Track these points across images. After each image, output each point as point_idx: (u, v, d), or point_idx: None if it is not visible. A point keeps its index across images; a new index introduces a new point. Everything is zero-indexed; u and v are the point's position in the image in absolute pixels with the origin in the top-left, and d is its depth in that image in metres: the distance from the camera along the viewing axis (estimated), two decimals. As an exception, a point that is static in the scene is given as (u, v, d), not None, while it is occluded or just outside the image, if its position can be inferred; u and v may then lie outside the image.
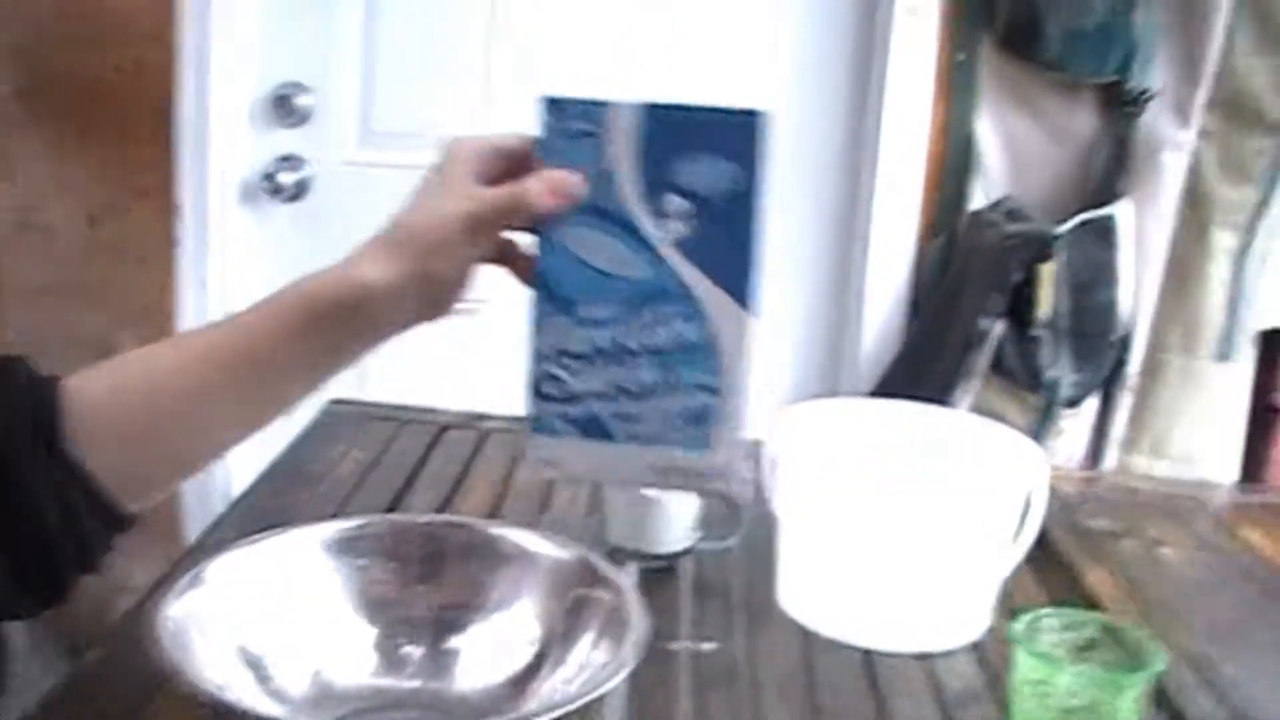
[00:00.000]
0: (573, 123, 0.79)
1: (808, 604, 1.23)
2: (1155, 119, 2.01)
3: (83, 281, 2.35)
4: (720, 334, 0.81)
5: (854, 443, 1.29)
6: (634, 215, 0.79)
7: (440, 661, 1.05)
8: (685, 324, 0.81)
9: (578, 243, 0.81)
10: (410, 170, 2.23)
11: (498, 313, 2.25)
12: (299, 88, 2.25)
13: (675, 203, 0.79)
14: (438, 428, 1.68)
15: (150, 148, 2.24)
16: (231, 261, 2.29)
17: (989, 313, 1.93)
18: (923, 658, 1.16)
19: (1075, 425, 2.01)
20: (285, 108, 2.25)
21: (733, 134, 0.77)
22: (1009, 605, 1.22)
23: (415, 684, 1.03)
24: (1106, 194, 1.99)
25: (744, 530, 1.33)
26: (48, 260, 2.36)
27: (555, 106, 0.80)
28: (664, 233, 0.79)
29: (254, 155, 2.28)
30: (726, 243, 0.79)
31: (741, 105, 0.78)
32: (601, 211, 0.80)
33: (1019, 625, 0.95)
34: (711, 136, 0.78)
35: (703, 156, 0.78)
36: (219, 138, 2.23)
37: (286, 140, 2.28)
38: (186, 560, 1.18)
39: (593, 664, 0.95)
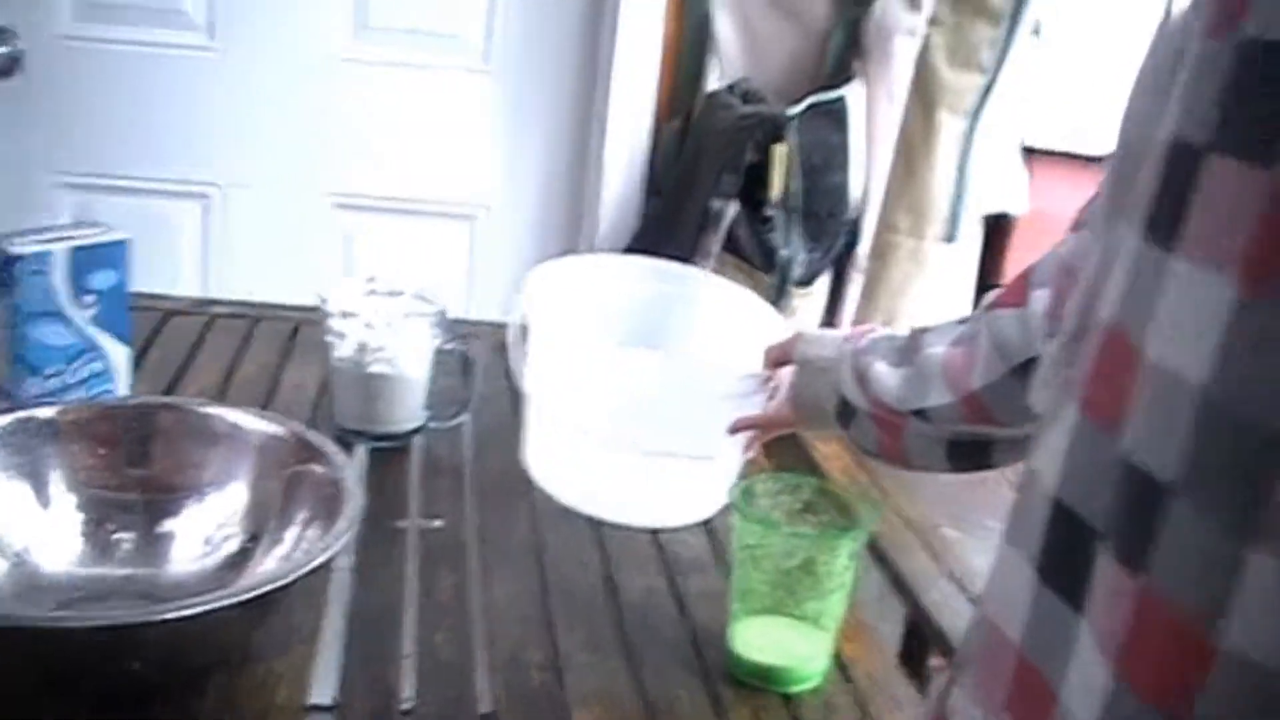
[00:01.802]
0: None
1: (550, 477, 1.22)
2: (887, 5, 2.04)
3: None
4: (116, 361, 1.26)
5: (599, 304, 1.27)
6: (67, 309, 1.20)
7: (154, 546, 1.02)
8: (97, 360, 1.24)
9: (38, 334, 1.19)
10: (131, 47, 2.16)
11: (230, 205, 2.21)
12: (7, -43, 2.12)
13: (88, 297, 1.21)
14: (162, 314, 1.61)
15: None
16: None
17: (723, 193, 1.95)
18: (656, 532, 1.17)
19: (808, 304, 2.04)
20: (-8, -21, 2.12)
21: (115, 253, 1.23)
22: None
23: (127, 570, 1.00)
24: (839, 78, 2.02)
25: (475, 410, 1.32)
26: None
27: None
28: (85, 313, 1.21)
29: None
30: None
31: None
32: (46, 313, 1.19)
33: (737, 490, 0.96)
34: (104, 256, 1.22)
35: (101, 269, 1.21)
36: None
37: (-7, 14, 2.14)
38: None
39: (309, 540, 0.94)
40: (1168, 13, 1.56)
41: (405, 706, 0.90)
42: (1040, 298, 0.89)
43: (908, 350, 1.00)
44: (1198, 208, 0.45)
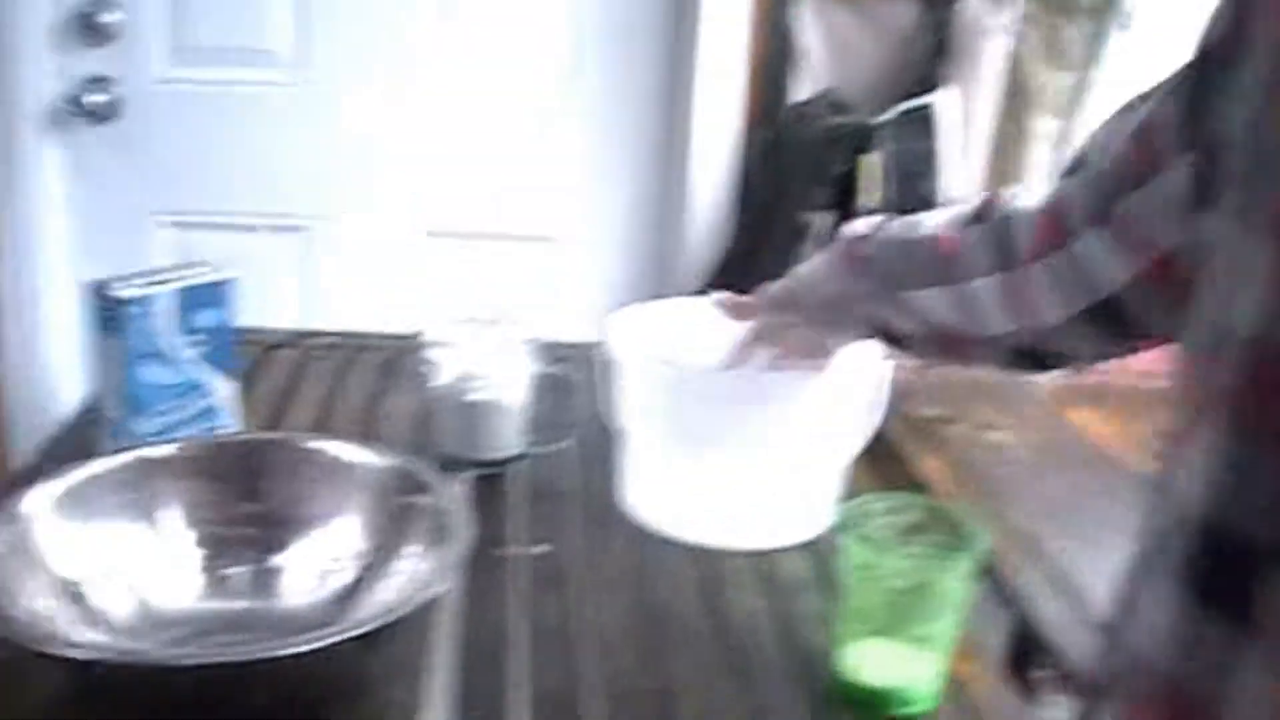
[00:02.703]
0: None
1: (648, 504, 1.23)
2: (974, 6, 2.02)
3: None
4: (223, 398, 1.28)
5: (690, 339, 1.28)
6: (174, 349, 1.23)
7: (266, 580, 1.03)
8: (206, 397, 1.26)
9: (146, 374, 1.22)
10: (224, 87, 2.20)
11: (325, 237, 2.24)
12: (104, 4, 2.15)
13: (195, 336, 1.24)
14: (263, 347, 1.64)
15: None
16: (42, 189, 2.20)
17: (814, 205, 1.94)
18: (759, 555, 1.17)
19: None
20: (90, 26, 2.16)
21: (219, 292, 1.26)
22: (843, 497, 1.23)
23: (242, 604, 1.02)
24: (928, 83, 2.00)
25: (576, 434, 1.32)
26: None
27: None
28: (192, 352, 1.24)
29: (59, 78, 2.19)
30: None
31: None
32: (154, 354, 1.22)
33: (845, 512, 0.96)
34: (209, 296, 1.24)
35: (206, 308, 1.24)
36: (20, 62, 2.13)
37: (94, 60, 2.19)
38: (5, 493, 1.14)
39: (419, 572, 0.94)
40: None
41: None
42: (1096, 238, 0.85)
43: (936, 265, 0.99)
44: None
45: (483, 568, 1.11)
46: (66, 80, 2.18)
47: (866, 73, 2.09)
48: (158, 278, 1.23)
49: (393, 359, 1.62)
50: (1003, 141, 2.05)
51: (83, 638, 0.91)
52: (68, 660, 0.82)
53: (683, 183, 2.15)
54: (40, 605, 0.91)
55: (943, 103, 1.97)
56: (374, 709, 0.92)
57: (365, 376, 1.57)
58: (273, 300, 2.25)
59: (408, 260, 2.27)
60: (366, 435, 1.38)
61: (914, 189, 1.94)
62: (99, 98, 2.17)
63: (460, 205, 2.24)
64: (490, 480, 1.29)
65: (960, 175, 2.02)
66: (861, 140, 1.93)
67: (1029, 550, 1.23)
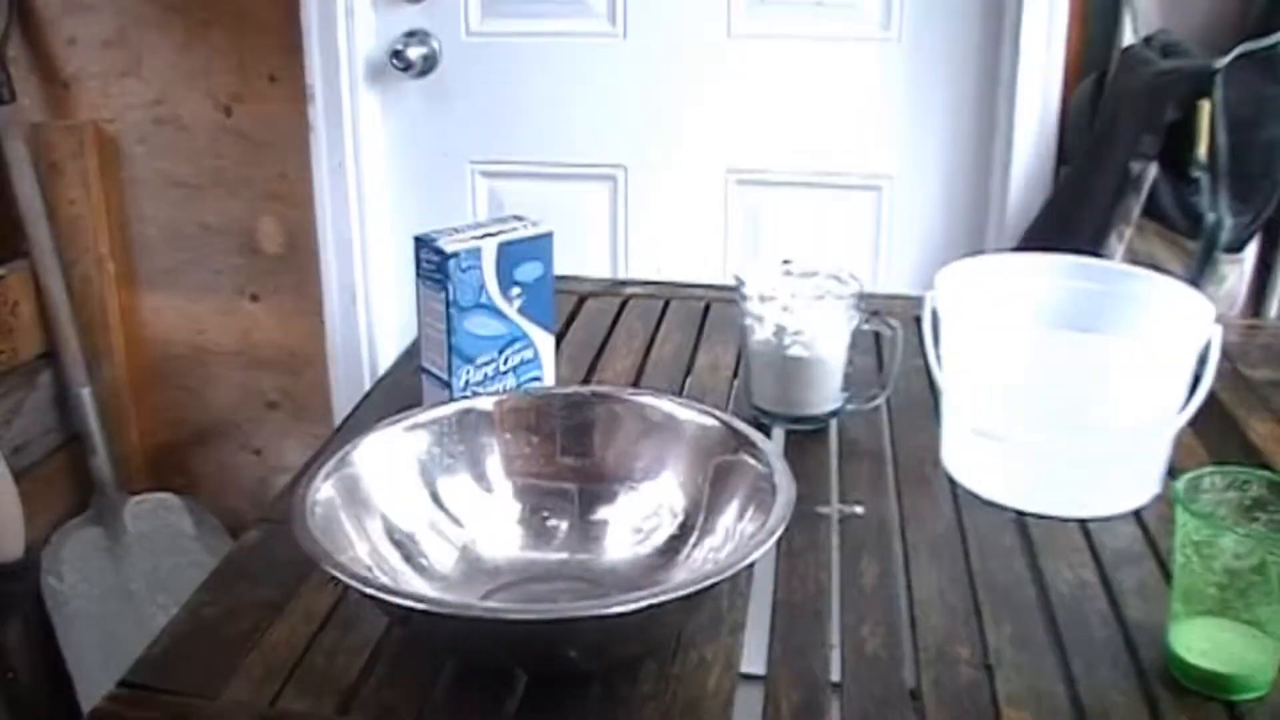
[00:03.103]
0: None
1: (969, 466, 1.20)
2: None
3: (218, 170, 2.38)
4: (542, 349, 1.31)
5: (1014, 300, 1.25)
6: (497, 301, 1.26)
7: (587, 533, 1.05)
8: (525, 349, 1.30)
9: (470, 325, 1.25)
10: (535, 38, 2.25)
11: (636, 185, 2.26)
12: (423, -41, 2.23)
13: (515, 289, 1.27)
14: (577, 297, 1.67)
15: (276, 33, 2.25)
16: (364, 141, 2.29)
17: (1142, 155, 1.85)
18: (1084, 522, 1.13)
19: (1237, 271, 1.93)
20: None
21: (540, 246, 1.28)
22: (1169, 465, 1.18)
23: (563, 555, 1.04)
24: (1271, 22, 1.89)
25: (896, 391, 1.30)
26: (181, 152, 2.39)
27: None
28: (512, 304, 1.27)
29: (380, 33, 2.27)
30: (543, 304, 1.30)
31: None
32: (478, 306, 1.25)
33: (1180, 484, 0.91)
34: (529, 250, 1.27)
35: (526, 262, 1.27)
36: (344, 18, 2.22)
37: (411, 15, 2.26)
38: (333, 441, 1.19)
39: (740, 532, 0.95)
40: None
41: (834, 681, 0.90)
42: None
43: None
44: None
45: (798, 526, 1.10)
46: (386, 35, 2.25)
47: (1202, 12, 1.99)
48: (481, 231, 1.26)
49: (706, 308, 1.62)
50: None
51: (409, 585, 0.95)
52: (391, 606, 0.85)
53: (1006, 131, 2.09)
54: (369, 552, 0.95)
55: (1288, 44, 1.85)
56: (689, 664, 0.93)
57: (679, 327, 1.58)
58: (583, 249, 2.30)
59: (721, 208, 2.27)
60: (681, 387, 1.40)
61: (1255, 138, 1.84)
62: (416, 51, 2.24)
63: (778, 154, 2.23)
64: (808, 437, 1.28)
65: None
66: (1197, 85, 1.83)
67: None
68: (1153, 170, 1.85)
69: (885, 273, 2.21)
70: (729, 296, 1.33)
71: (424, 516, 1.01)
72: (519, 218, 1.30)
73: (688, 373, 1.45)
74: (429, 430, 1.06)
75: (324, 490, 0.95)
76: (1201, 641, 0.91)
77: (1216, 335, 1.13)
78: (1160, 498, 1.16)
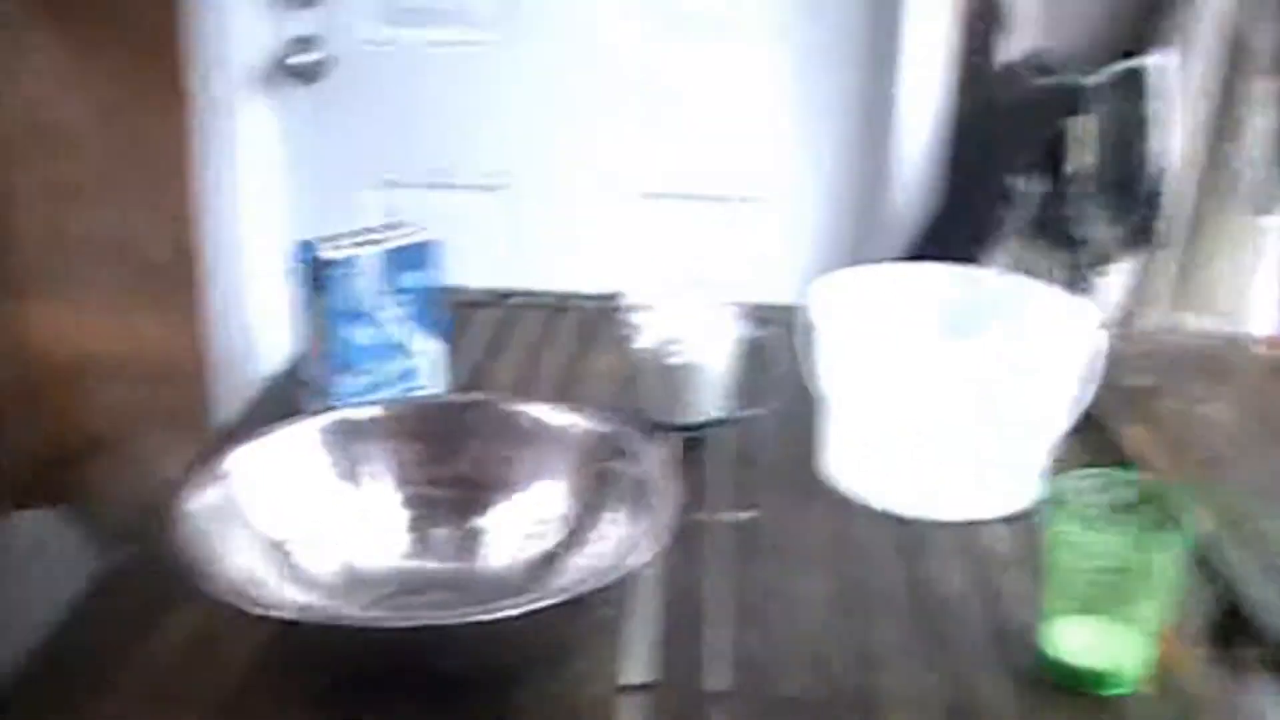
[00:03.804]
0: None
1: (850, 473, 1.22)
2: (1192, -38, 1.95)
3: (99, 180, 2.33)
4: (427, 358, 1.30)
5: (896, 308, 1.27)
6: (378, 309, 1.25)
7: (469, 541, 1.04)
8: (410, 358, 1.29)
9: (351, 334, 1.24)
10: (431, 47, 2.23)
11: (516, 193, 2.26)
12: (311, -34, 2.21)
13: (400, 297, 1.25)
14: (466, 307, 1.66)
15: (164, 36, 2.21)
16: (252, 149, 2.26)
17: (1021, 169, 1.89)
18: (963, 527, 1.15)
19: (1110, 283, 1.97)
20: (300, -13, 2.21)
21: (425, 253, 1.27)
22: (1047, 469, 1.20)
23: (445, 565, 1.03)
24: (1143, 43, 1.94)
25: (778, 399, 1.31)
26: (61, 161, 2.34)
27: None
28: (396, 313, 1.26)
29: (271, 38, 2.24)
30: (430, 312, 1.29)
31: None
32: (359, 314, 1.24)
33: (1055, 487, 0.93)
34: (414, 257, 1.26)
35: (411, 269, 1.26)
36: (232, 23, 2.19)
37: (303, 21, 2.24)
38: (211, 451, 1.18)
39: (622, 537, 0.95)
40: None
41: (715, 690, 0.91)
42: None
43: None
44: None
45: (683, 534, 1.10)
46: (277, 40, 2.23)
47: (1078, 32, 2.03)
48: (364, 238, 1.25)
49: (595, 320, 1.62)
50: (1219, 104, 1.97)
51: (286, 597, 0.94)
52: (271, 619, 0.84)
53: (888, 146, 2.12)
54: (245, 564, 0.93)
55: (1158, 63, 1.90)
56: (572, 674, 0.93)
57: (567, 337, 1.58)
58: (477, 260, 2.29)
59: (609, 221, 2.28)
60: (568, 397, 1.39)
61: (1126, 153, 1.89)
62: (308, 58, 2.22)
63: (664, 166, 2.24)
64: (691, 445, 1.29)
65: (1174, 140, 1.95)
66: (1072, 102, 1.87)
67: (1240, 529, 1.18)
68: (1030, 185, 1.89)
69: (772, 284, 2.22)
70: (617, 307, 1.33)
71: (301, 527, 1.00)
72: (406, 224, 1.29)
73: (575, 382, 1.45)
74: (305, 440, 1.04)
75: (197, 501, 0.93)
76: (1072, 639, 0.93)
77: (1101, 342, 1.15)
78: (1038, 502, 1.18)
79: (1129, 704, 0.92)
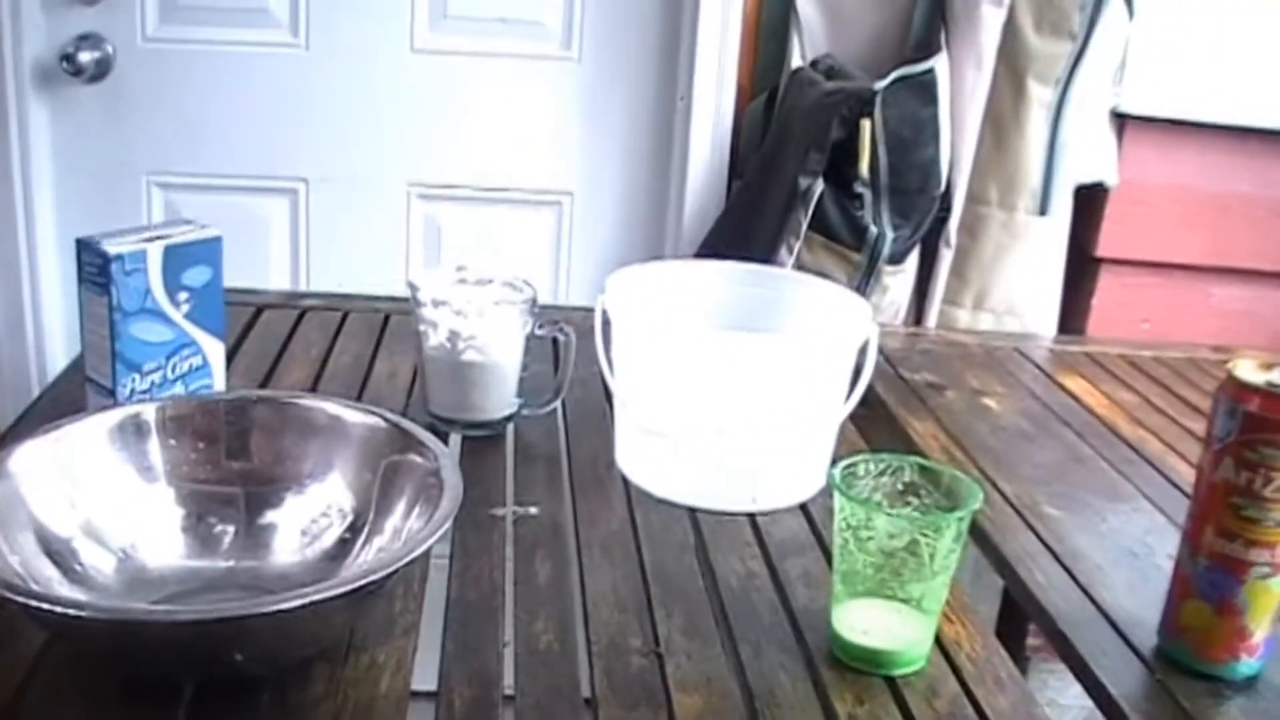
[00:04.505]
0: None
1: (640, 466, 1.22)
2: (971, -28, 2.01)
3: None
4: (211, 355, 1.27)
5: (684, 303, 1.28)
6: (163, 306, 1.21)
7: (256, 538, 1.02)
8: (194, 356, 1.25)
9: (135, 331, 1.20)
10: (215, 46, 2.19)
11: (317, 199, 2.22)
12: (94, -39, 2.14)
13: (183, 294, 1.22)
14: (254, 309, 1.63)
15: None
16: (31, 148, 2.19)
17: (809, 171, 1.92)
18: (753, 516, 1.17)
19: (898, 281, 2.02)
20: (81, -16, 2.14)
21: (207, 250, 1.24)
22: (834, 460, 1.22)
23: (230, 563, 1.01)
24: (926, 49, 1.99)
25: (570, 396, 1.32)
26: None
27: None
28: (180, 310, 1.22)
29: (50, 35, 2.17)
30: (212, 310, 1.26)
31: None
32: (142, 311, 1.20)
33: (837, 470, 0.95)
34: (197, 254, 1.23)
35: (194, 266, 1.22)
36: (9, 19, 2.12)
37: (84, 18, 2.17)
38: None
39: (409, 531, 0.94)
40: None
41: (506, 693, 0.90)
42: None
43: None
44: None
45: (473, 528, 1.10)
46: (57, 37, 2.16)
47: (864, 38, 2.08)
48: (146, 235, 1.21)
49: (385, 320, 1.61)
50: (999, 109, 2.04)
51: (69, 594, 0.91)
52: (53, 616, 0.81)
53: (682, 147, 2.14)
54: (26, 561, 0.90)
55: (942, 68, 1.95)
56: (360, 667, 0.91)
57: (357, 338, 1.56)
58: (265, 262, 2.25)
59: (399, 222, 2.26)
60: (359, 396, 1.38)
61: (912, 155, 1.93)
62: (89, 55, 2.15)
63: (456, 166, 2.23)
64: (483, 441, 1.28)
65: (958, 142, 2.01)
66: (859, 106, 1.91)
67: (1022, 516, 1.22)
68: (819, 186, 1.93)
69: (566, 285, 2.24)
70: (408, 309, 1.32)
71: (80, 526, 0.96)
72: (188, 222, 1.26)
73: (364, 383, 1.43)
74: (85, 438, 1.01)
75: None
76: (861, 621, 0.95)
77: (874, 333, 1.18)
78: (825, 491, 1.20)
79: (916, 682, 0.94)
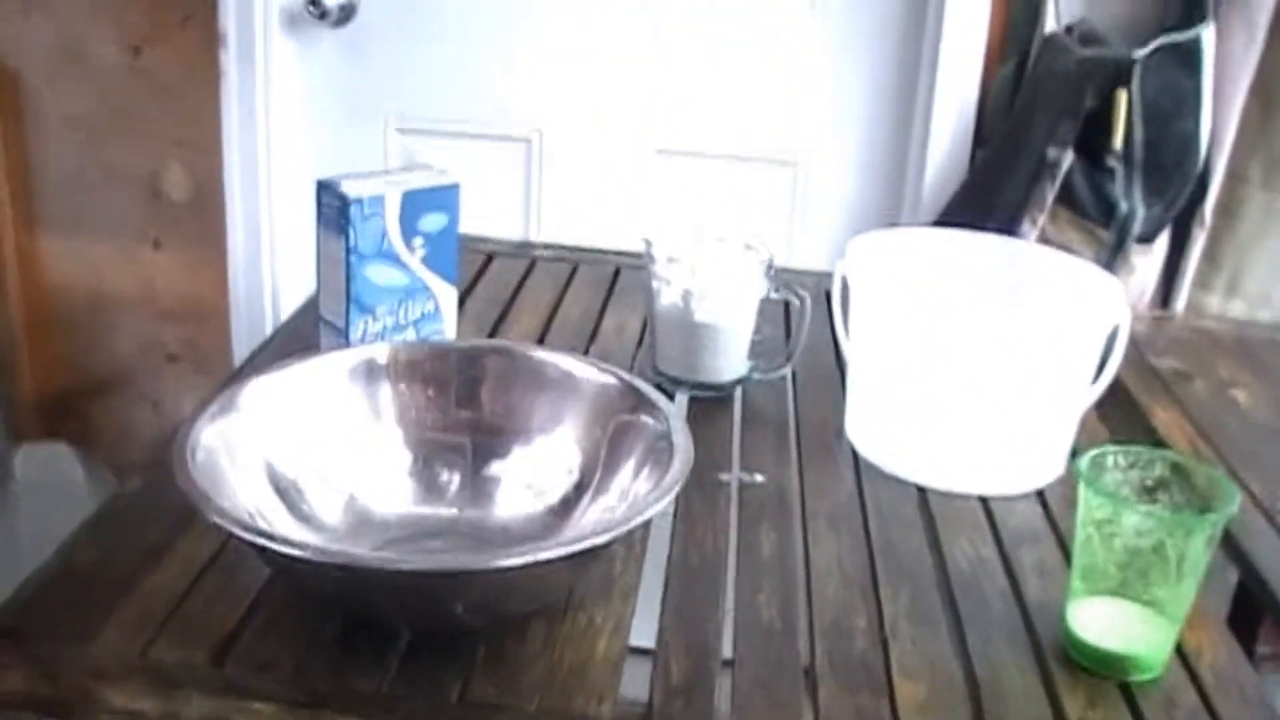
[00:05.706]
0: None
1: (873, 439, 1.19)
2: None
3: (125, 113, 2.31)
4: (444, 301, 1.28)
5: (926, 273, 1.24)
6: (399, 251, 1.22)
7: (479, 488, 1.02)
8: (427, 301, 1.26)
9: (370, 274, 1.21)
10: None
11: (551, 151, 2.23)
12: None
13: (418, 239, 1.23)
14: (485, 256, 1.64)
15: (192, -27, 2.19)
16: (277, 89, 2.24)
17: (1059, 142, 1.85)
18: (986, 499, 1.12)
19: (1146, 262, 1.93)
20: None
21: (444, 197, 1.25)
22: (1073, 447, 1.17)
23: (453, 511, 1.01)
24: (1191, 16, 1.89)
25: (797, 360, 1.29)
26: (88, 92, 2.32)
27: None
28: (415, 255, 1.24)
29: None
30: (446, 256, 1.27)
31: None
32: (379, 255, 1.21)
33: (1084, 461, 0.90)
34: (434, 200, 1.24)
35: (430, 212, 1.23)
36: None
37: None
38: (226, 386, 1.16)
39: (635, 492, 0.92)
40: None
41: (725, 658, 0.88)
42: None
43: None
44: None
45: (697, 492, 1.08)
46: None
47: (1124, 3, 1.99)
48: (385, 179, 1.22)
49: (616, 273, 1.60)
50: (1269, 84, 1.93)
51: (292, 534, 0.91)
52: (279, 556, 0.82)
53: (925, 112, 2.08)
54: (254, 499, 0.91)
55: (1208, 37, 1.86)
56: (578, 627, 0.90)
57: (588, 291, 1.55)
58: (497, 211, 2.26)
59: (635, 177, 2.25)
60: (586, 349, 1.37)
61: (1170, 128, 1.85)
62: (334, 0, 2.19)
63: (693, 124, 2.21)
64: (709, 403, 1.26)
65: (1220, 116, 1.91)
66: (1116, 75, 1.83)
67: (1270, 519, 1.16)
68: (1069, 157, 1.85)
69: (800, 248, 2.20)
70: (639, 263, 1.30)
71: (310, 466, 0.98)
72: (426, 166, 1.27)
73: (593, 336, 1.42)
74: (318, 377, 1.02)
75: (207, 435, 0.91)
76: (1099, 621, 0.90)
77: (1126, 318, 1.12)
78: (1063, 479, 1.15)
79: (1152, 691, 0.89)
